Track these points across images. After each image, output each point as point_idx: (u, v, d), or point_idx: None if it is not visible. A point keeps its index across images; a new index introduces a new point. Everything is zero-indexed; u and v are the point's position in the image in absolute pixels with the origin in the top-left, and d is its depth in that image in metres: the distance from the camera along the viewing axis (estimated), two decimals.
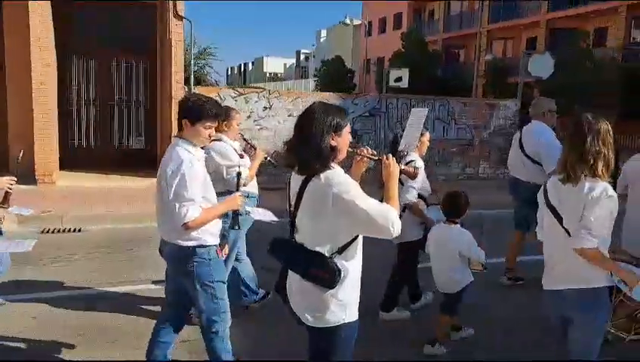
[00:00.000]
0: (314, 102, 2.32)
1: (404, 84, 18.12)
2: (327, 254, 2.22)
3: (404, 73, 17.92)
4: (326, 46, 59.56)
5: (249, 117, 10.52)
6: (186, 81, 10.48)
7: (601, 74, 21.65)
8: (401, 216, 3.86)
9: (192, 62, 10.08)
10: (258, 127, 10.62)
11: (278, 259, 2.43)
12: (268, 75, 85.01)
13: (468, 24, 33.71)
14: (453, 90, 32.65)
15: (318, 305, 2.28)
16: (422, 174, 4.32)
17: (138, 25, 10.44)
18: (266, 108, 10.63)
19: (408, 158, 4.23)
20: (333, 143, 2.23)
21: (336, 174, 2.21)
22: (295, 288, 2.37)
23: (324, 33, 68.04)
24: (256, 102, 10.55)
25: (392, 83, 18.15)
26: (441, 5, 36.74)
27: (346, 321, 2.31)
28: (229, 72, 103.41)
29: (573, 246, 2.64)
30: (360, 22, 45.11)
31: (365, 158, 2.49)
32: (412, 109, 3.59)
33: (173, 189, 2.85)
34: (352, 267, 2.29)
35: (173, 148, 2.97)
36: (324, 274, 2.21)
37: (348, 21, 36.98)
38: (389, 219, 2.18)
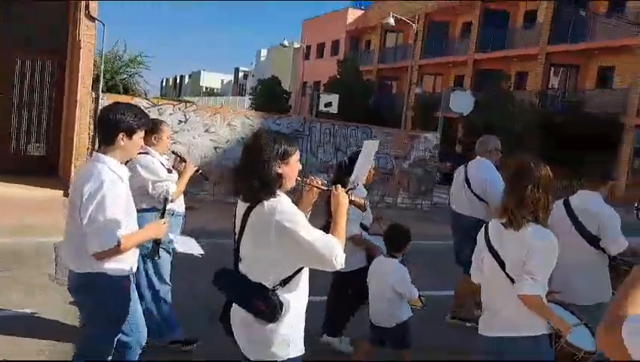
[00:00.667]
0: (260, 129, 2.37)
1: (334, 109, 18.18)
2: (269, 286, 2.16)
3: (334, 98, 17.99)
4: (265, 66, 59.47)
5: None
6: (95, 87, 9.79)
7: (522, 116, 22.74)
8: None
9: (102, 67, 9.39)
10: (171, 141, 10.02)
11: (221, 290, 2.36)
12: (204, 89, 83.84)
13: (402, 57, 34.58)
14: (383, 120, 33.36)
15: (260, 339, 2.22)
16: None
17: (50, 22, 9.69)
18: (181, 121, 10.10)
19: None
20: (279, 171, 2.19)
21: (280, 203, 2.16)
22: (238, 320, 2.29)
23: (264, 53, 68.07)
24: (171, 114, 10.00)
25: (322, 107, 18.14)
26: (377, 37, 37.57)
27: (290, 357, 2.24)
28: (164, 83, 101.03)
29: (517, 292, 2.61)
30: (299, 45, 45.37)
31: (315, 188, 2.43)
32: (364, 141, 3.42)
33: (88, 213, 2.52)
34: (296, 300, 2.23)
35: (94, 165, 2.63)
36: (265, 307, 2.14)
37: (286, 43, 36.97)
38: (333, 251, 2.13)
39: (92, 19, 9.04)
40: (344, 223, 2.29)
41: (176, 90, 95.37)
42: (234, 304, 2.33)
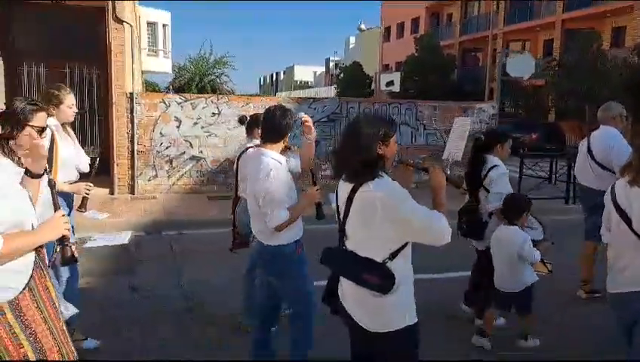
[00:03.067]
0: (361, 113, 2.61)
1: (396, 88, 17.48)
2: (379, 260, 2.23)
3: (396, 77, 17.33)
4: (354, 53, 59.14)
5: (196, 123, 10.07)
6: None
7: (617, 77, 20.43)
8: (486, 223, 4.17)
9: (133, 67, 9.66)
10: (207, 134, 10.15)
11: (330, 268, 2.49)
12: (298, 82, 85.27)
13: (484, 27, 32.53)
14: (467, 95, 31.69)
15: (376, 311, 2.29)
16: (505, 180, 4.22)
17: (89, 28, 10.14)
18: (214, 114, 10.15)
19: (489, 165, 4.19)
20: (381, 152, 2.27)
21: (384, 182, 2.23)
22: (350, 296, 2.38)
23: (352, 40, 67.68)
24: (204, 108, 10.08)
25: (383, 87, 17.52)
26: (458, 9, 35.68)
27: (408, 324, 2.31)
28: (262, 82, 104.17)
29: None
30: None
31: (411, 168, 2.58)
32: (456, 119, 3.29)
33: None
34: (405, 271, 2.30)
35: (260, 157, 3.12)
36: (378, 280, 2.22)
37: (363, 27, 36.28)
38: (439, 225, 2.21)
39: (119, 21, 9.33)
40: (444, 200, 2.35)
41: (273, 86, 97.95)
42: (343, 281, 2.42)
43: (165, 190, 9.97)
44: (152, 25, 30.06)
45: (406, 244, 2.29)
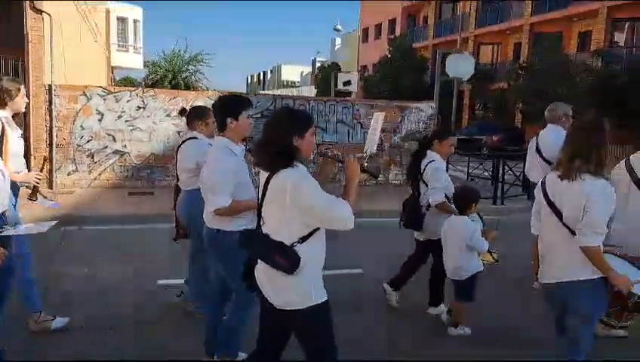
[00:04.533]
0: (281, 107, 2.52)
1: (353, 87, 17.26)
2: (287, 243, 2.39)
3: (353, 77, 17.12)
4: (340, 54, 59.06)
5: (120, 117, 9.76)
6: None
7: (581, 81, 20.44)
8: (424, 215, 4.43)
9: (49, 58, 9.27)
10: (131, 128, 9.84)
11: (246, 250, 2.66)
12: (285, 82, 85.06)
13: (458, 29, 32.47)
14: (441, 96, 31.60)
15: (283, 289, 2.46)
16: (446, 176, 4.46)
17: (10, 19, 9.79)
18: (140, 107, 9.84)
19: (427, 160, 4.44)
20: (296, 144, 2.43)
21: (295, 171, 2.38)
22: (262, 275, 2.55)
23: (338, 41, 67.67)
24: (129, 101, 9.76)
25: (340, 87, 17.29)
26: (434, 10, 35.56)
27: (315, 302, 2.47)
28: (249, 80, 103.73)
29: (580, 245, 2.72)
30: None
31: (329, 160, 2.82)
32: (374, 114, 3.76)
33: None
34: (314, 254, 2.45)
35: None
36: (285, 261, 2.38)
37: (340, 27, 36.12)
38: (343, 212, 2.36)
39: (38, 11, 9.00)
40: (354, 190, 2.50)
41: (260, 85, 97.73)
42: (259, 262, 2.58)
43: (86, 185, 9.65)
44: (122, 20, 29.60)
45: (316, 231, 2.43)
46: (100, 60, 23.04)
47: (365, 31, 43.72)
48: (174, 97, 10.01)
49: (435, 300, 4.65)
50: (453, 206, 4.28)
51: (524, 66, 23.19)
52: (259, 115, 10.52)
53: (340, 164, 2.67)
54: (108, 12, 27.79)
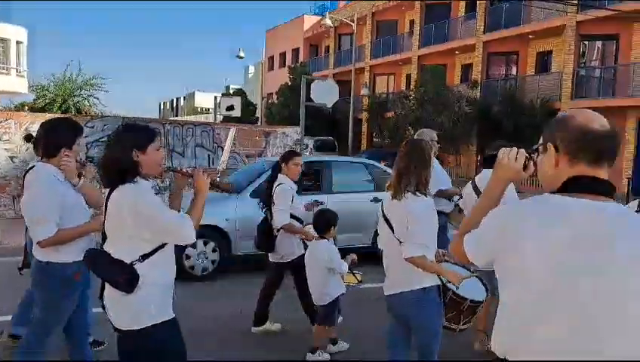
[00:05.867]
0: (122, 123, 2.74)
1: (237, 112, 16.82)
2: (127, 261, 2.30)
3: (236, 101, 16.69)
4: (253, 81, 58.94)
5: None
6: None
7: (459, 110, 21.45)
8: (275, 237, 4.49)
9: None
10: None
11: (88, 268, 2.55)
12: (199, 109, 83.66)
13: (356, 60, 33.26)
14: (339, 124, 32.06)
15: (122, 309, 2.36)
16: (292, 197, 4.45)
17: None
18: None
19: (277, 183, 4.48)
20: (136, 159, 2.35)
21: (133, 186, 2.32)
22: (106, 294, 2.44)
23: (251, 69, 67.78)
24: None
25: (223, 112, 16.81)
26: (333, 41, 36.26)
27: (156, 322, 2.37)
28: (162, 107, 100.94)
29: (403, 256, 2.92)
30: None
31: (179, 175, 2.66)
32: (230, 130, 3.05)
33: None
34: (157, 273, 2.35)
35: None
36: (121, 279, 2.30)
37: (242, 54, 35.81)
38: (182, 226, 2.33)
39: None
40: (201, 204, 2.49)
41: (173, 112, 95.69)
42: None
43: None
44: (3, 41, 27.54)
45: (160, 248, 2.34)
46: None
47: (271, 59, 43.86)
48: (6, 120, 9.01)
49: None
50: (311, 228, 4.33)
51: (407, 96, 24.07)
52: (105, 139, 9.73)
53: (191, 179, 2.61)
54: None
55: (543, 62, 22.77)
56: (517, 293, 1.47)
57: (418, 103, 23.14)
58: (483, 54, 24.26)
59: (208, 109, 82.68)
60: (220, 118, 18.26)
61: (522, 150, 1.71)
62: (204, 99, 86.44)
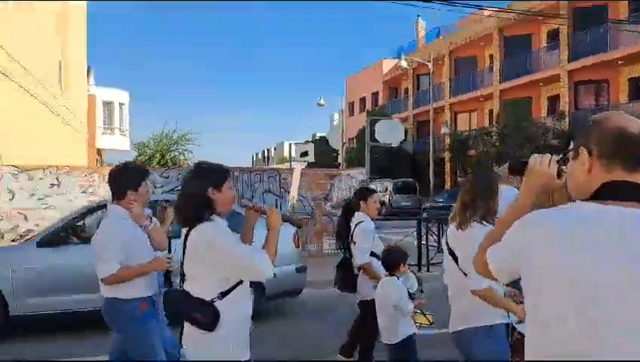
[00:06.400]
0: (198, 161, 2.59)
1: (310, 158, 17.10)
2: (208, 299, 2.31)
3: (310, 148, 17.01)
4: (338, 128, 60.24)
5: (33, 195, 9.48)
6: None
7: (538, 143, 20.38)
8: (356, 276, 4.38)
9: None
10: (44, 206, 9.54)
11: (169, 309, 2.67)
12: (287, 158, 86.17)
13: (435, 99, 32.89)
14: (419, 165, 31.52)
15: (203, 346, 2.36)
16: (373, 234, 4.37)
17: None
18: (53, 185, 9.59)
19: (356, 220, 4.39)
20: (212, 197, 2.39)
21: (210, 225, 2.34)
22: (185, 333, 2.44)
23: (336, 116, 69.28)
24: (41, 179, 9.54)
25: (297, 157, 17.15)
26: (411, 82, 36.18)
27: (233, 360, 2.38)
28: (254, 158, 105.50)
29: (470, 289, 2.76)
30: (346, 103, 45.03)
31: (252, 212, 2.69)
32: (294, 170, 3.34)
33: None
34: (235, 310, 2.35)
35: None
36: (203, 317, 2.30)
37: (322, 102, 36.61)
38: (259, 263, 2.33)
39: None
40: (275, 239, 2.48)
41: (265, 162, 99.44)
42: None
43: None
44: (108, 104, 30.33)
45: (237, 285, 2.36)
46: (77, 142, 23.34)
47: (351, 105, 44.50)
48: (90, 173, 9.77)
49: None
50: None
51: (488, 132, 23.26)
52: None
53: (264, 216, 2.63)
54: (93, 97, 28.59)
55: (637, 89, 21.13)
56: (547, 308, 1.33)
57: (500, 139, 22.26)
58: (569, 84, 23.01)
59: (294, 158, 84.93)
60: (296, 164, 18.62)
61: (555, 156, 1.59)
62: (309, 146, 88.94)
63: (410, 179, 26.72)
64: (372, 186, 26.61)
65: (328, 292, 6.48)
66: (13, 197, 9.37)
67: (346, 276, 4.49)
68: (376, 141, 11.31)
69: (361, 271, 4.36)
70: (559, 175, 1.59)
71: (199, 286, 2.36)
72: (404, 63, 26.04)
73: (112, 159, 34.80)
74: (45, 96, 15.93)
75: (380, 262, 4.32)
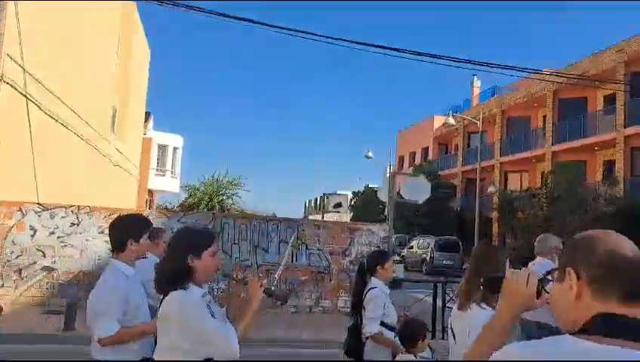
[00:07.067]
0: (182, 226, 2.49)
1: (344, 209, 16.79)
2: None
3: (344, 199, 16.76)
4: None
5: (52, 233, 9.64)
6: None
7: (588, 209, 19.16)
8: (364, 344, 3.99)
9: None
10: (62, 244, 9.66)
11: None
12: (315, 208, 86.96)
13: (484, 156, 31.98)
14: (465, 223, 30.35)
15: None
16: (384, 302, 4.04)
17: None
18: (73, 224, 9.73)
19: (369, 286, 4.08)
20: (191, 264, 2.25)
21: (184, 294, 2.19)
22: None
23: (389, 170, 69.25)
24: (63, 217, 9.71)
25: (330, 208, 16.87)
26: (462, 139, 35.52)
27: None
28: (307, 205, 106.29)
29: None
30: (394, 155, 44.78)
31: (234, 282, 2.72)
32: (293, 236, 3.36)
33: None
34: None
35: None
36: None
37: (370, 155, 36.53)
38: (226, 339, 2.15)
39: None
40: (250, 313, 2.33)
41: (316, 209, 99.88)
42: None
43: (10, 301, 9.32)
44: (162, 147, 31.46)
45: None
46: (129, 183, 24.19)
47: (401, 159, 44.14)
48: (110, 214, 9.86)
49: None
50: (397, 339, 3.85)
51: (535, 194, 22.19)
52: None
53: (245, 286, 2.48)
54: (149, 140, 29.80)
55: None
56: None
57: (549, 201, 21.13)
58: (625, 149, 21.73)
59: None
60: (331, 216, 18.34)
61: (534, 272, 1.47)
62: (343, 198, 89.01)
63: (454, 237, 25.67)
64: (413, 243, 25.85)
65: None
66: (34, 233, 9.57)
67: (354, 343, 4.20)
68: (402, 198, 10.91)
69: (369, 340, 4.07)
70: (539, 294, 1.45)
71: (167, 357, 2.20)
72: (451, 120, 25.62)
73: (162, 200, 35.91)
74: (98, 140, 16.67)
75: (392, 333, 4.01)
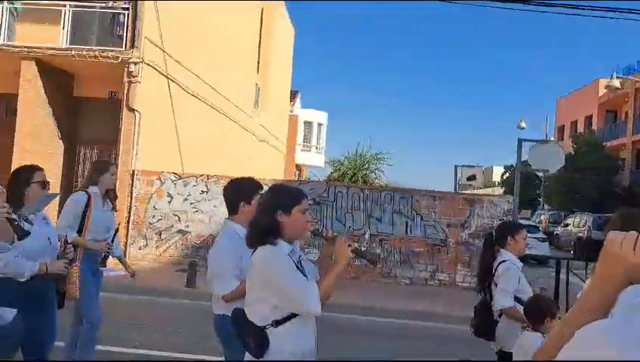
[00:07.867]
0: (273, 183, 2.70)
1: (478, 183, 15.73)
2: (260, 324, 2.22)
3: (478, 172, 15.68)
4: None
5: (186, 199, 10.55)
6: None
7: None
8: (497, 323, 3.76)
9: (135, 149, 10.59)
10: (194, 210, 10.53)
11: (234, 328, 2.44)
12: (495, 182, 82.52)
13: None
14: (636, 197, 26.41)
15: None
16: (518, 275, 3.86)
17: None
18: (203, 191, 10.53)
19: (500, 259, 3.86)
20: (279, 220, 2.28)
21: (269, 249, 2.25)
22: (246, 357, 2.36)
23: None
24: (194, 186, 10.55)
25: (464, 181, 15.96)
26: (633, 105, 30.84)
27: None
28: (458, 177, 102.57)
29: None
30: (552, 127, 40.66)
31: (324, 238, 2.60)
32: None
33: None
34: (287, 342, 2.22)
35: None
36: (252, 342, 2.22)
37: (524, 125, 33.50)
38: (307, 298, 2.18)
39: (131, 110, 10.60)
40: (335, 272, 2.31)
41: (471, 186, 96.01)
42: None
43: (153, 259, 10.50)
44: (308, 124, 32.62)
45: (295, 316, 2.20)
46: (276, 158, 25.66)
47: (561, 129, 39.92)
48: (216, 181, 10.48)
49: None
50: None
51: None
52: (311, 202, 10.29)
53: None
54: (295, 117, 31.12)
55: None
56: None
57: None
58: None
59: (495, 182, 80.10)
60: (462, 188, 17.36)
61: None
62: (497, 174, 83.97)
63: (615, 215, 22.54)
64: (568, 220, 23.29)
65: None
66: (171, 200, 10.59)
67: (483, 321, 3.87)
68: (530, 167, 9.81)
69: (502, 316, 3.74)
70: None
71: (254, 310, 2.25)
72: (616, 83, 22.27)
73: (311, 175, 37.34)
74: (241, 118, 17.83)
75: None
